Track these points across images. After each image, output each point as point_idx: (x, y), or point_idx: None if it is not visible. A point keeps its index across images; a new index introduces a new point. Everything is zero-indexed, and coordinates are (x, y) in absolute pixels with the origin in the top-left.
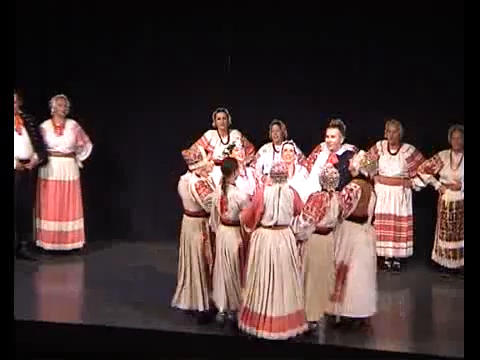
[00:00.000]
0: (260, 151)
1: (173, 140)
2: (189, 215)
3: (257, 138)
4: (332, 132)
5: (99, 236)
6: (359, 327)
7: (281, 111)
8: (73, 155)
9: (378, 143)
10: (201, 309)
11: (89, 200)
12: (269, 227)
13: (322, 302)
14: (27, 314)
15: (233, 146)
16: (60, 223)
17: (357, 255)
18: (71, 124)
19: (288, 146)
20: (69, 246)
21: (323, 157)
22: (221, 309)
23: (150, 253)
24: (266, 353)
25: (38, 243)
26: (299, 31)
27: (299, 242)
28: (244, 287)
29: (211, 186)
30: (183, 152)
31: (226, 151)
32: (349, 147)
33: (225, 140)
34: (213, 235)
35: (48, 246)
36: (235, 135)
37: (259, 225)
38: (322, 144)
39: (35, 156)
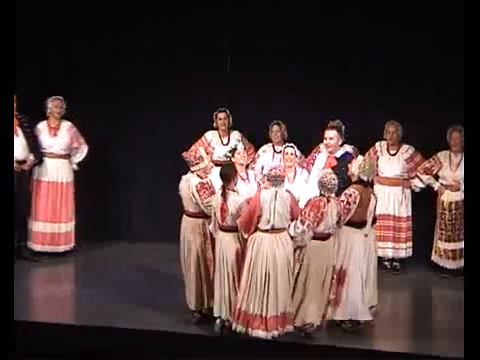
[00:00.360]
0: (260, 151)
1: (173, 140)
2: (189, 215)
3: (257, 138)
4: (330, 134)
5: (98, 236)
6: (355, 329)
7: (281, 111)
8: (68, 157)
9: (377, 144)
10: (194, 308)
11: (89, 200)
12: (266, 231)
13: (321, 307)
14: (26, 315)
15: (235, 149)
16: (52, 225)
17: (354, 260)
18: (66, 125)
19: (289, 149)
20: (61, 248)
21: (322, 159)
22: (217, 315)
23: (150, 253)
24: (265, 353)
25: (29, 244)
26: (299, 31)
27: (298, 248)
28: (239, 289)
29: (212, 188)
30: (184, 154)
31: (228, 154)
32: (348, 148)
33: (225, 141)
34: (213, 237)
35: (38, 247)
36: (235, 136)
37: (256, 229)
38: (321, 145)
39: (31, 157)
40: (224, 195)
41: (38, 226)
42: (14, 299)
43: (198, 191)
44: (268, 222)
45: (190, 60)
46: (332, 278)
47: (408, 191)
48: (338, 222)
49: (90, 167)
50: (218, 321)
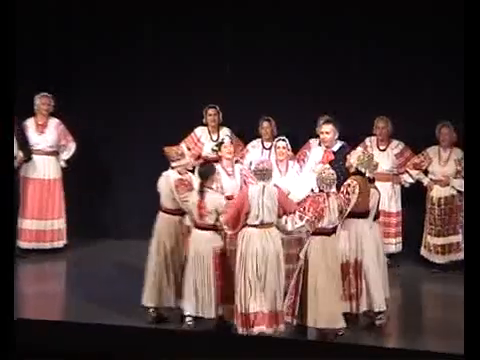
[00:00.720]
0: (248, 147)
1: (173, 140)
2: (165, 211)
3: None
4: (327, 128)
5: (88, 234)
6: (381, 321)
7: (281, 111)
8: (55, 154)
9: (367, 139)
10: (153, 305)
11: (89, 199)
12: (255, 226)
13: (337, 304)
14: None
15: (222, 143)
16: (39, 222)
17: (367, 251)
18: (54, 123)
19: (281, 143)
20: (48, 245)
21: (318, 153)
22: (187, 313)
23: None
24: (266, 351)
25: (17, 242)
26: (299, 31)
27: (301, 246)
28: (235, 291)
29: (191, 185)
30: (165, 148)
31: (215, 148)
32: (340, 144)
33: (215, 137)
34: (187, 236)
35: (25, 245)
36: (225, 132)
37: (245, 225)
38: (311, 141)
39: (20, 154)
40: (202, 193)
41: (26, 223)
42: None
43: (176, 186)
44: (257, 217)
45: (190, 60)
46: (348, 273)
47: (398, 186)
48: (341, 213)
49: (90, 167)
50: (187, 319)
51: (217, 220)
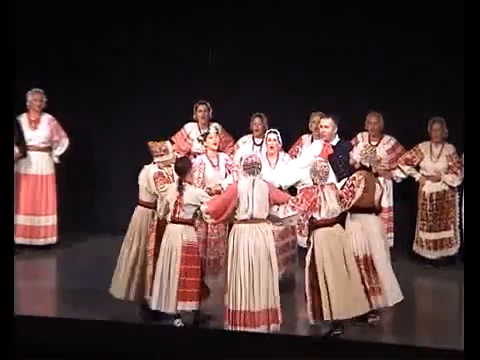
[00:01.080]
0: (239, 142)
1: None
2: (141, 204)
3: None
4: (326, 122)
5: (81, 230)
6: (374, 319)
7: (281, 111)
8: (48, 149)
9: (359, 135)
10: (120, 298)
11: (81, 195)
12: (244, 221)
13: (353, 294)
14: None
15: (207, 133)
16: (32, 217)
17: (375, 244)
18: (47, 118)
19: (272, 135)
20: (41, 241)
21: (317, 147)
22: (153, 307)
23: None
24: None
25: None
26: (299, 31)
27: (308, 243)
28: (226, 289)
29: (170, 180)
30: (149, 143)
31: (200, 138)
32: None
33: None
34: (161, 230)
35: (18, 240)
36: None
37: (234, 220)
38: (303, 137)
39: (16, 150)
40: (180, 188)
41: (19, 219)
42: None
43: (155, 179)
44: (246, 211)
45: (190, 60)
46: (361, 269)
47: (389, 182)
48: (342, 203)
49: (90, 166)
50: (176, 321)
51: (195, 215)
